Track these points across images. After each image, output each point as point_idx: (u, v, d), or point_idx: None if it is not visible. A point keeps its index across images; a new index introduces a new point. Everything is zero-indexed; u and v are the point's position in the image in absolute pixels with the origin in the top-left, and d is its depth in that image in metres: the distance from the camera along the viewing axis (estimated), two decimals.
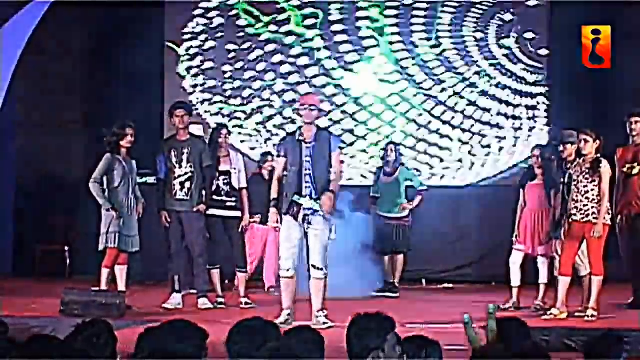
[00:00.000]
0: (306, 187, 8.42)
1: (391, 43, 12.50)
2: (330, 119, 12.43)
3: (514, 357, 3.81)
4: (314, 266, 8.37)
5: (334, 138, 8.73)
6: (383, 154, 11.27)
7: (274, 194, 8.57)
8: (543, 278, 9.43)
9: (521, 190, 9.67)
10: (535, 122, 12.21)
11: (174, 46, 12.65)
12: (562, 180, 9.07)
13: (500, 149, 12.30)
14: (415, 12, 12.49)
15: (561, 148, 9.27)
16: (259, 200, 10.20)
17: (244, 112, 12.61)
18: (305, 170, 8.43)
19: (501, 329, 4.40)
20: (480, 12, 12.36)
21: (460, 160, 12.39)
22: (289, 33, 12.60)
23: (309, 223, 8.40)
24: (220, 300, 9.81)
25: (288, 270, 8.42)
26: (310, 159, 8.44)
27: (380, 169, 11.21)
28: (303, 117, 8.56)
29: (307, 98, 8.86)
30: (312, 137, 8.49)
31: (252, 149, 12.48)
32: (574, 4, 11.37)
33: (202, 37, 12.67)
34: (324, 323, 8.18)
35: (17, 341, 4.11)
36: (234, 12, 12.63)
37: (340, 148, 8.73)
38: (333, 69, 12.54)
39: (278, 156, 8.65)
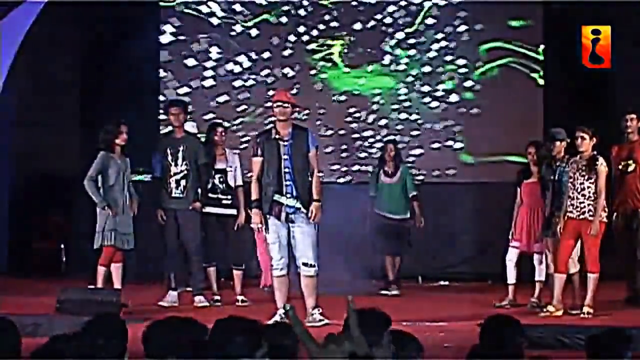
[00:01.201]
0: (287, 185, 8.35)
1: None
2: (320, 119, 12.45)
3: (507, 357, 3.81)
4: (305, 264, 8.32)
5: (311, 136, 8.58)
6: (380, 153, 11.18)
7: (254, 195, 8.44)
8: (539, 275, 9.43)
9: (517, 188, 9.67)
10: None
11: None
12: (552, 177, 9.08)
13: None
14: (408, 9, 12.50)
15: (550, 146, 9.27)
16: None
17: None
18: (285, 168, 8.34)
19: (494, 327, 4.37)
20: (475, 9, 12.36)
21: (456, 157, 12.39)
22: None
23: (292, 222, 8.35)
24: (216, 298, 9.81)
25: (281, 269, 8.39)
26: (288, 157, 8.35)
27: (378, 168, 11.04)
28: (277, 114, 8.44)
29: (280, 95, 8.62)
30: (289, 135, 8.41)
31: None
32: (574, 3, 11.36)
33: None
34: (320, 320, 8.17)
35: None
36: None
37: (317, 147, 8.57)
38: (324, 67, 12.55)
39: (254, 155, 8.48)
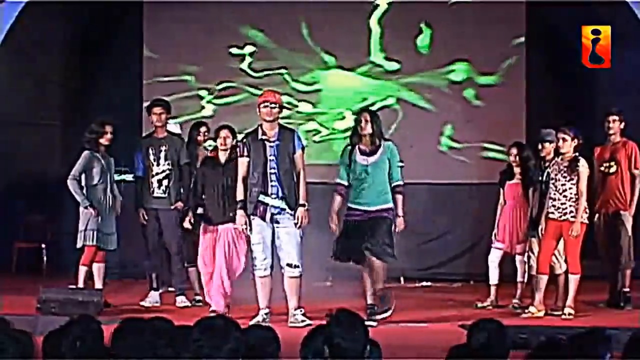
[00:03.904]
0: (272, 186, 8.29)
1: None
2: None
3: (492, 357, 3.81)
4: (289, 264, 8.28)
5: (297, 137, 8.46)
6: (354, 127, 8.82)
7: (239, 196, 8.37)
8: (521, 276, 9.45)
9: (500, 189, 9.69)
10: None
11: None
12: (540, 178, 9.11)
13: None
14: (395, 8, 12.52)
15: (540, 147, 9.30)
16: None
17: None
18: (271, 169, 8.29)
19: (479, 330, 4.36)
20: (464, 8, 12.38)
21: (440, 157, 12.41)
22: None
23: (277, 222, 8.31)
24: (197, 298, 9.77)
25: (265, 269, 8.35)
26: (275, 157, 8.29)
27: (351, 145, 8.72)
28: (263, 115, 8.33)
29: (268, 95, 8.46)
30: (276, 136, 8.35)
31: None
32: (574, 4, 11.41)
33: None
34: (302, 321, 8.15)
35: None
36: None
37: (303, 148, 8.45)
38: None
39: (241, 156, 8.41)
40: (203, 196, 8.95)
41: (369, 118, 8.61)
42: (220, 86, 12.59)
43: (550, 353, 3.90)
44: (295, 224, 8.27)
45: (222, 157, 8.92)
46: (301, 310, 8.29)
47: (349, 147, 8.66)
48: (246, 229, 8.34)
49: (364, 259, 8.37)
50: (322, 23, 12.46)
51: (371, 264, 8.36)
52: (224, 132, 8.93)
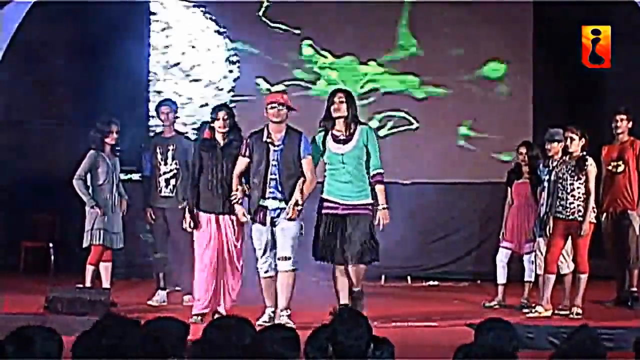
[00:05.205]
0: (270, 192, 8.01)
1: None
2: None
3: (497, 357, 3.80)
4: (284, 257, 8.02)
5: (305, 141, 8.06)
6: (326, 108, 8.15)
7: (234, 188, 8.17)
8: (528, 276, 9.43)
9: (508, 188, 9.68)
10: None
11: None
12: (547, 177, 9.10)
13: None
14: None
15: (547, 146, 9.27)
16: None
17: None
18: (271, 174, 8.02)
19: (486, 329, 4.35)
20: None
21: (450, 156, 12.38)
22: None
23: (275, 225, 8.07)
24: None
25: (266, 271, 8.20)
26: (277, 162, 8.02)
27: (324, 132, 8.19)
28: (270, 116, 8.05)
29: (275, 96, 8.22)
30: (281, 139, 8.05)
31: None
32: (574, 4, 11.40)
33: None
34: (286, 324, 7.99)
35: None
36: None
37: (310, 154, 8.05)
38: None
39: (242, 156, 8.14)
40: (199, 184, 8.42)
41: (344, 98, 8.02)
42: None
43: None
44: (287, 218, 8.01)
45: (220, 139, 8.37)
46: (287, 311, 8.03)
47: (322, 134, 8.14)
48: (248, 219, 8.17)
49: (343, 262, 7.99)
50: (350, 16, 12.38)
51: (353, 268, 8.00)
52: (222, 113, 8.35)
